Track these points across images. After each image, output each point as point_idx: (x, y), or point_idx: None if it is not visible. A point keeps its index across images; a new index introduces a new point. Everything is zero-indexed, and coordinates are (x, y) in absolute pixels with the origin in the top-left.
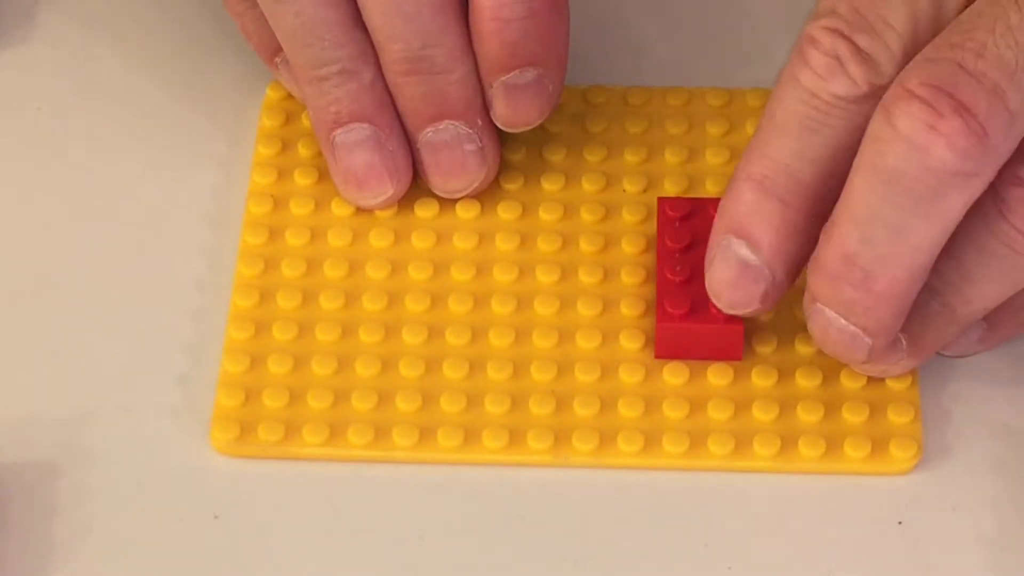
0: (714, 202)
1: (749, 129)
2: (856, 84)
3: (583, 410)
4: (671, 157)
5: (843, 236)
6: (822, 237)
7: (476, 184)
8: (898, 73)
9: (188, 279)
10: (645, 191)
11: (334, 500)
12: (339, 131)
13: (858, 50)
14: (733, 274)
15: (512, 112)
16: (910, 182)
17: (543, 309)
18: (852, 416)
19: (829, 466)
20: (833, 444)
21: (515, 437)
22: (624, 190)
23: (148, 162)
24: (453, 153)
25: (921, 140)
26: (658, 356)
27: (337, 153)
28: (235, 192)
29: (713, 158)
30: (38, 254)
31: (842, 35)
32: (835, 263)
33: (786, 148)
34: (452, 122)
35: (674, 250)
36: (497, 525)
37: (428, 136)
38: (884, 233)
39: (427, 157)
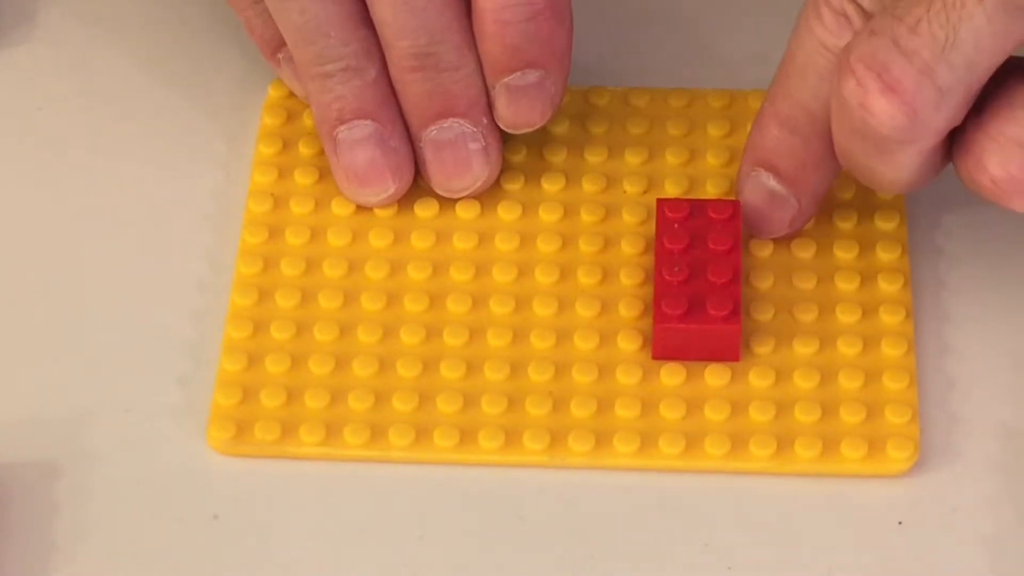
0: (714, 204)
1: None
2: None
3: (580, 411)
4: (672, 158)
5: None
6: None
7: (479, 184)
8: None
9: (188, 278)
10: (645, 192)
11: (334, 500)
12: (342, 128)
13: (861, 9)
14: (761, 203)
15: (514, 113)
16: (864, 138)
17: (541, 310)
18: (849, 417)
19: (826, 467)
20: (830, 445)
21: (511, 437)
22: (624, 191)
23: (148, 162)
24: (457, 151)
25: (859, 113)
26: (656, 357)
27: (339, 150)
28: (235, 191)
29: (714, 159)
30: (38, 254)
31: None
32: None
33: (805, 91)
34: (457, 120)
35: (673, 251)
36: (496, 525)
37: (432, 134)
38: (860, 170)
39: (430, 155)
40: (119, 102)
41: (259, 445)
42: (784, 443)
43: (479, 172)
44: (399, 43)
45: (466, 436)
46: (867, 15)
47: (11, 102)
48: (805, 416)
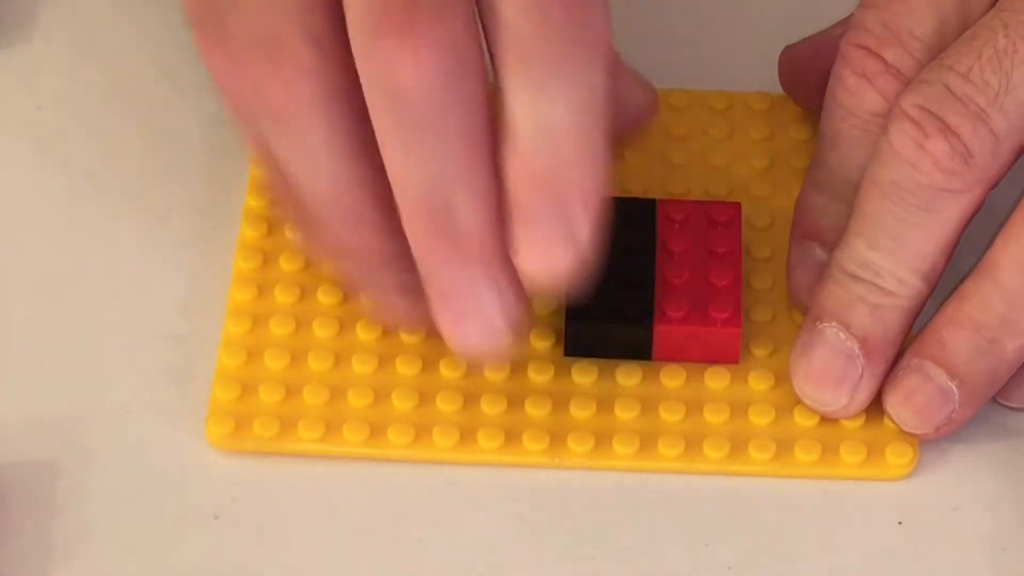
0: (714, 206)
1: (751, 132)
2: (887, 99)
3: (579, 411)
4: (672, 159)
5: (851, 245)
6: (836, 249)
7: (495, 342)
8: None
9: (188, 277)
10: (645, 193)
11: (333, 499)
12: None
13: (886, 65)
14: (810, 273)
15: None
16: (904, 195)
17: (541, 309)
18: (848, 421)
19: (824, 471)
20: (829, 449)
21: (511, 437)
22: (624, 192)
23: (147, 160)
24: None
25: (912, 157)
26: (655, 358)
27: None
28: (234, 187)
29: (714, 161)
30: (37, 254)
31: (870, 51)
32: (849, 267)
33: (837, 159)
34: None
35: (673, 253)
36: (495, 525)
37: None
38: (886, 240)
39: (439, 305)
40: (119, 102)
41: (258, 441)
42: (783, 447)
43: (496, 331)
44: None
45: (465, 435)
46: (892, 70)
47: (11, 102)
48: (804, 420)
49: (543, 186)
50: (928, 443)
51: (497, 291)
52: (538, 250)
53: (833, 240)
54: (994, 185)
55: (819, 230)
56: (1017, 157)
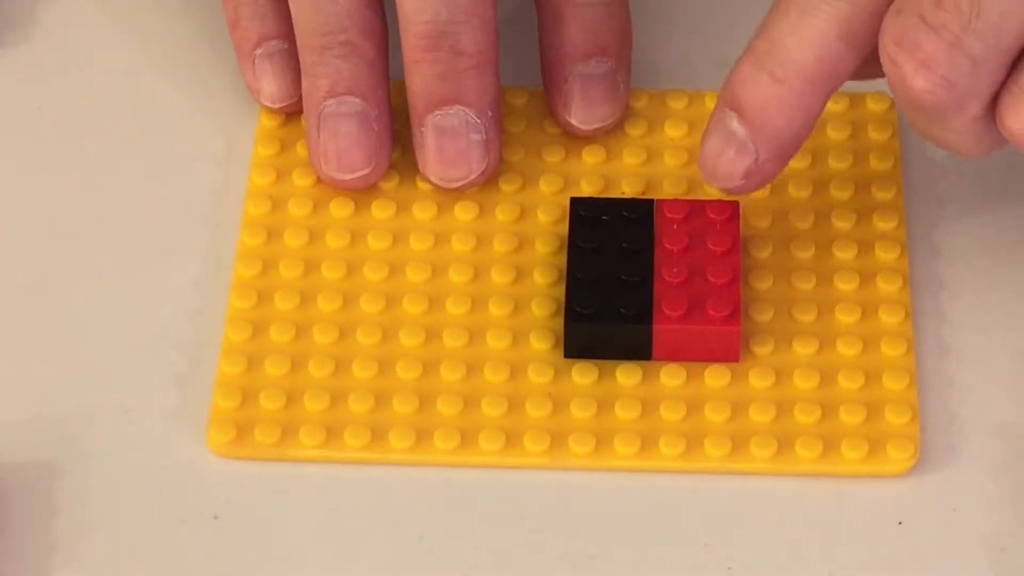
0: (713, 204)
1: None
2: None
3: (580, 412)
4: (670, 160)
5: None
6: None
7: (474, 176)
8: None
9: (187, 280)
10: (643, 194)
11: (334, 502)
12: (330, 101)
13: None
14: (720, 144)
15: (588, 106)
16: (917, 111)
17: (540, 311)
18: (849, 417)
19: (826, 468)
20: (830, 446)
21: (512, 440)
22: (623, 192)
23: (147, 162)
24: (458, 141)
25: (902, 91)
26: (655, 358)
27: (323, 124)
28: (233, 192)
29: None
30: (38, 254)
31: None
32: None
33: (783, 27)
34: (463, 108)
35: (672, 252)
36: (497, 527)
37: (436, 119)
38: (932, 139)
39: (431, 141)
40: (119, 102)
41: (259, 448)
42: (784, 444)
43: (477, 165)
44: (418, 18)
45: (467, 438)
46: None
47: (11, 102)
48: (805, 417)
49: (590, 32)
50: (930, 442)
51: (483, 138)
52: (588, 100)
53: (754, 117)
54: (991, 96)
55: (740, 100)
56: (1004, 72)
